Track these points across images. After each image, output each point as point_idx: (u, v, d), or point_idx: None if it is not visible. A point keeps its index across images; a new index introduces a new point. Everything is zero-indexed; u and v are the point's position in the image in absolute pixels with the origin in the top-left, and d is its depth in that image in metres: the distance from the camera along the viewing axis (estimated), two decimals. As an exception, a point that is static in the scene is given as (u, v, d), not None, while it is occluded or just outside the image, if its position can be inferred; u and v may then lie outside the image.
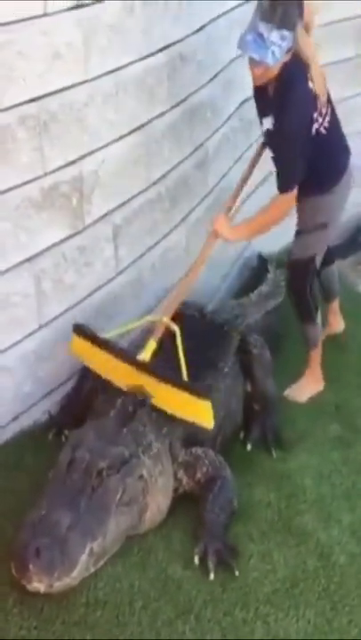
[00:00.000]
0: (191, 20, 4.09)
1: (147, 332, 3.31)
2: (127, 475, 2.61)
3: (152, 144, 3.80)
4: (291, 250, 3.72)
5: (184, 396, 2.86)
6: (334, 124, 3.42)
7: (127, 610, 2.43)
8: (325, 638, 2.44)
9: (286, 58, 3.09)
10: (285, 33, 2.98)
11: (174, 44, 3.91)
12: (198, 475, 2.87)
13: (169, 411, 2.89)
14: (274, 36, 2.97)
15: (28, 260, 3.15)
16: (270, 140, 3.34)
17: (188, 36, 4.05)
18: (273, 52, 2.99)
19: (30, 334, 3.22)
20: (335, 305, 4.30)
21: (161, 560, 2.64)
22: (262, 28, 2.98)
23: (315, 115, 3.25)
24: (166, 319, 3.19)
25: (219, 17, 4.46)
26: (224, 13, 4.54)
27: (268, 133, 3.35)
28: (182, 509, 2.84)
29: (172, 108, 3.96)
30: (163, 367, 3.00)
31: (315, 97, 3.22)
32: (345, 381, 3.98)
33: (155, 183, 3.86)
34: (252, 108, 4.92)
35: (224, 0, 4.47)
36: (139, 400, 2.88)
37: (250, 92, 4.85)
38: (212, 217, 3.59)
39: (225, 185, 4.68)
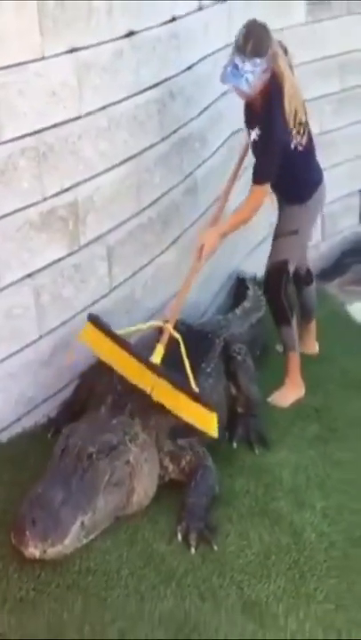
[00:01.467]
0: (179, 60, 4.48)
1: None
2: (115, 459, 2.92)
3: (143, 173, 4.15)
4: (268, 257, 4.08)
5: (194, 405, 3.17)
6: (310, 147, 3.90)
7: (115, 576, 2.72)
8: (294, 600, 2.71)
9: (265, 77, 3.58)
10: (257, 60, 3.49)
11: (163, 82, 4.29)
12: (183, 463, 3.17)
13: (177, 413, 3.15)
14: (247, 65, 3.49)
15: (29, 275, 3.48)
16: (255, 147, 3.78)
17: (176, 75, 4.43)
18: (247, 79, 3.52)
19: (31, 344, 3.55)
20: (312, 326, 4.57)
21: (147, 537, 2.92)
22: (237, 59, 3.51)
23: (293, 130, 3.71)
24: (170, 327, 3.50)
25: (206, 57, 4.85)
26: (212, 53, 4.93)
27: (253, 143, 3.79)
28: (168, 497, 3.12)
29: (163, 140, 4.32)
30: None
31: (294, 111, 3.67)
32: (326, 389, 4.25)
33: (146, 208, 4.20)
34: (238, 141, 5.32)
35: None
36: (127, 396, 3.21)
37: (237, 125, 5.26)
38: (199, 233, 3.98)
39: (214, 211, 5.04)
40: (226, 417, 3.73)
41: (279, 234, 4.01)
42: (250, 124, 3.83)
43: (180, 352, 3.41)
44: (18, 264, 3.42)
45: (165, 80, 4.30)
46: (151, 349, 3.38)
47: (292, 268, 4.02)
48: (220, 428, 3.64)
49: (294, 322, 4.11)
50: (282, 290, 4.00)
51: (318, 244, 6.28)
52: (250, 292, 4.81)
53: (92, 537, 2.79)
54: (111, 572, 2.73)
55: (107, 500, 2.84)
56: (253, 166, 3.81)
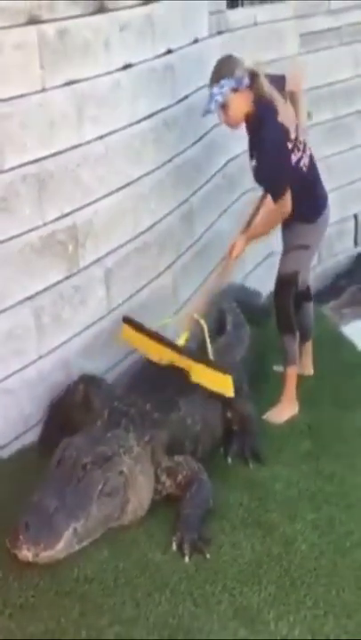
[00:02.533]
0: (175, 91, 4.66)
1: None
2: (108, 470, 3.04)
3: (140, 199, 4.32)
4: (278, 268, 4.23)
5: (211, 372, 3.64)
6: (314, 170, 4.10)
7: (112, 584, 2.82)
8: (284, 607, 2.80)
9: (243, 97, 3.84)
10: (223, 82, 3.82)
11: (159, 112, 4.47)
12: (179, 478, 3.27)
13: (199, 382, 3.62)
14: (214, 89, 3.85)
15: (30, 298, 3.62)
16: (256, 172, 3.98)
17: (171, 106, 4.62)
18: (216, 100, 3.85)
19: (31, 363, 3.67)
20: (308, 346, 4.60)
21: (143, 548, 3.02)
22: (210, 90, 3.91)
23: (290, 145, 3.90)
24: (196, 315, 3.99)
25: (201, 88, 5.01)
26: (206, 85, 5.10)
27: (254, 169, 3.99)
28: (163, 510, 3.23)
29: (158, 167, 4.49)
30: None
31: (286, 129, 3.88)
32: (319, 407, 4.34)
33: (143, 233, 4.36)
34: (234, 169, 5.51)
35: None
36: (124, 410, 3.34)
37: (233, 153, 5.45)
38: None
39: (211, 235, 5.20)
40: (222, 433, 3.85)
41: (290, 248, 4.17)
42: (251, 153, 4.02)
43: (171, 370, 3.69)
44: (19, 286, 3.57)
45: (161, 110, 4.49)
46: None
47: (300, 281, 4.18)
48: (216, 444, 3.78)
49: (297, 336, 4.24)
50: (290, 300, 4.17)
51: (314, 267, 6.42)
52: (225, 305, 4.87)
53: (85, 544, 2.90)
54: (108, 581, 2.83)
55: (100, 508, 2.95)
56: (266, 189, 4.02)
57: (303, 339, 4.54)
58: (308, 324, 4.60)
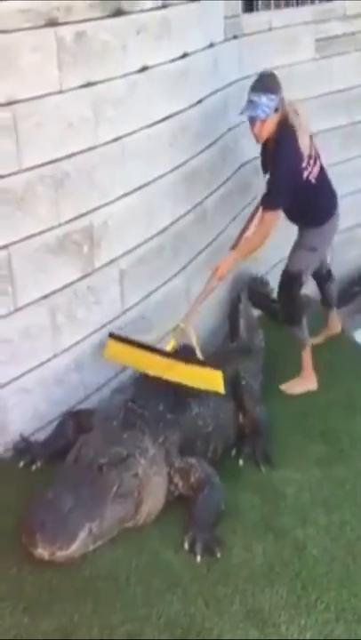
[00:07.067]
0: (190, 94, 4.67)
1: None
2: (124, 471, 3.05)
3: (154, 201, 4.33)
4: (285, 264, 4.52)
5: (200, 370, 3.66)
6: (323, 176, 4.33)
7: (124, 583, 2.83)
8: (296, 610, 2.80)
9: (276, 117, 4.10)
10: (271, 96, 4.06)
11: (174, 115, 4.48)
12: (192, 479, 3.29)
13: (189, 384, 3.58)
14: (263, 99, 4.06)
15: (45, 296, 3.64)
16: (267, 185, 4.24)
17: (186, 109, 4.63)
18: (263, 110, 4.06)
19: (46, 362, 3.69)
20: (333, 313, 5.13)
21: (156, 547, 3.03)
22: (253, 96, 4.09)
23: (303, 164, 4.16)
24: (184, 325, 4.06)
25: (216, 91, 5.04)
26: (222, 88, 5.13)
27: (266, 182, 4.26)
28: (176, 510, 3.24)
29: (173, 170, 4.50)
30: None
31: (301, 152, 4.14)
32: (332, 411, 4.35)
33: (157, 235, 4.37)
34: (247, 173, 5.52)
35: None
36: (138, 412, 3.36)
37: (246, 158, 5.47)
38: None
39: (223, 239, 5.19)
40: (233, 436, 3.86)
41: (299, 247, 4.45)
42: (265, 166, 4.35)
43: None
44: (34, 285, 3.58)
45: (176, 113, 4.49)
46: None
47: (305, 279, 4.46)
48: (228, 447, 3.79)
49: (305, 322, 4.50)
50: (295, 296, 4.43)
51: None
52: (240, 307, 4.96)
53: (99, 543, 2.92)
54: (120, 579, 2.84)
55: (114, 509, 2.97)
56: (263, 195, 4.25)
57: (328, 309, 5.09)
58: (332, 298, 5.10)
